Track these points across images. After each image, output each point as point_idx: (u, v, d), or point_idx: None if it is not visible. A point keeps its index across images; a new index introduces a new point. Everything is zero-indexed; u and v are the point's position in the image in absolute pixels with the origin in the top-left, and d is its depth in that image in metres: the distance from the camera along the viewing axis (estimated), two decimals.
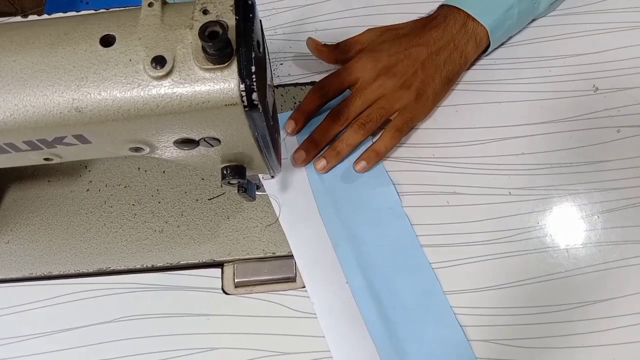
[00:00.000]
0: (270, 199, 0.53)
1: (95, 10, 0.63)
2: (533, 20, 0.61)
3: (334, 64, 0.60)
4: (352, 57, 0.58)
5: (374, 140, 0.56)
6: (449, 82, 0.57)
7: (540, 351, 0.48)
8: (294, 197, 0.54)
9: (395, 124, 0.55)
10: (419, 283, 0.50)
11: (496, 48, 0.60)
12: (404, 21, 0.60)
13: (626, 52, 0.59)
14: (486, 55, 0.60)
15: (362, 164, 0.54)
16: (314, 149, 0.55)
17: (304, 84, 0.60)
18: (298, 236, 0.52)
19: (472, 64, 0.59)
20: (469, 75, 0.60)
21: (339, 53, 0.59)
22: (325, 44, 0.59)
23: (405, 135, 0.56)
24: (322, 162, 0.54)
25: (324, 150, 0.55)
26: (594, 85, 0.58)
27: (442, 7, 0.59)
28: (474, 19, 0.56)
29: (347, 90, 0.57)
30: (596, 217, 0.53)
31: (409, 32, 0.57)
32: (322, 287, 0.51)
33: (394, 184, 0.54)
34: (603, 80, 0.58)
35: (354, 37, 0.59)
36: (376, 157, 0.55)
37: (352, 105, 0.55)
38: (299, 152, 0.55)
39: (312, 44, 0.59)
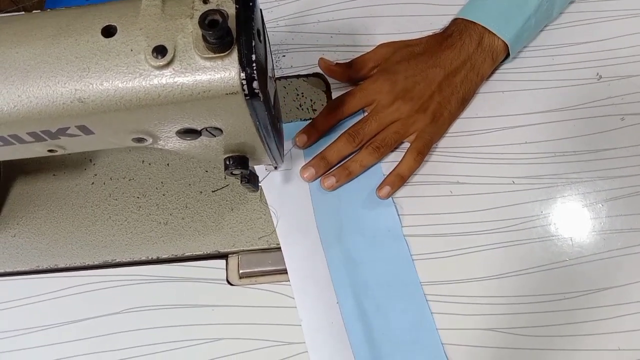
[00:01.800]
0: (270, 209, 0.53)
1: None
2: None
3: (348, 82, 0.59)
4: (365, 75, 0.57)
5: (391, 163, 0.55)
6: (465, 102, 0.57)
7: (545, 339, 0.48)
8: (294, 210, 0.53)
9: (417, 147, 0.54)
10: (411, 315, 0.49)
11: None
12: (407, 12, 0.60)
13: (630, 40, 0.59)
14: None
15: (387, 189, 0.53)
16: (324, 167, 0.54)
17: (307, 76, 0.60)
18: (293, 249, 0.51)
19: None
20: None
21: (353, 72, 0.58)
22: (337, 63, 0.58)
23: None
24: (331, 180, 0.53)
25: (333, 169, 0.54)
26: (598, 74, 0.58)
27: (456, 21, 0.57)
28: (490, 33, 0.55)
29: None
30: (600, 206, 0.53)
31: (424, 50, 0.56)
32: (312, 303, 0.50)
33: (395, 205, 0.53)
34: (606, 68, 0.58)
35: (367, 54, 0.58)
36: (400, 181, 0.54)
37: (368, 128, 0.54)
38: (308, 169, 0.54)
39: (324, 64, 0.58)
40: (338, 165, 0.55)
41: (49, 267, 0.53)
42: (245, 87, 0.34)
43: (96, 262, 0.53)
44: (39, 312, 0.52)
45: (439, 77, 0.55)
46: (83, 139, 0.38)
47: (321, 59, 0.58)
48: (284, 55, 0.61)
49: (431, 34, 0.59)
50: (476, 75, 0.56)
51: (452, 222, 0.53)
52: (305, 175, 0.54)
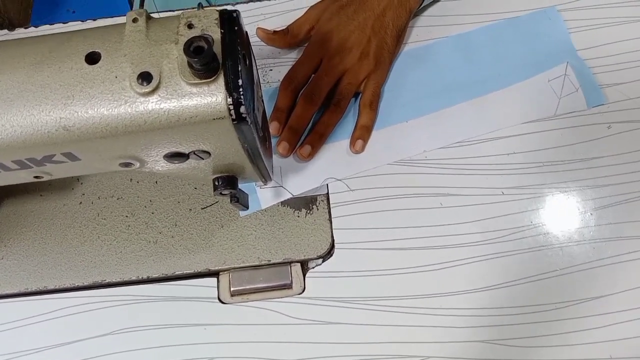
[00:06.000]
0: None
1: (82, 21, 0.63)
2: None
3: (288, 48, 0.61)
4: (303, 39, 0.60)
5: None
6: (399, 37, 0.59)
7: (537, 350, 0.49)
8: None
9: (366, 100, 0.57)
10: None
11: None
12: None
13: (615, 48, 0.59)
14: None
15: (360, 142, 0.56)
16: (295, 136, 0.55)
17: None
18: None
19: None
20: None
21: (291, 37, 0.60)
22: (275, 31, 0.60)
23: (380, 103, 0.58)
24: (307, 148, 0.55)
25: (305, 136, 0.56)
26: None
27: None
28: None
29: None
30: (589, 214, 0.53)
31: (351, 0, 0.59)
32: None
33: None
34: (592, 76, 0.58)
35: (300, 18, 0.60)
36: (368, 132, 0.57)
37: (321, 86, 0.56)
38: (282, 144, 0.55)
39: (262, 33, 0.60)
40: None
41: (38, 289, 0.52)
42: (232, 112, 0.34)
43: (86, 283, 0.52)
44: (29, 335, 0.51)
45: (370, 20, 0.57)
46: (69, 165, 0.38)
47: (259, 28, 0.60)
48: (271, 70, 0.60)
49: None
50: (404, 10, 0.58)
51: (442, 234, 0.53)
52: (281, 150, 0.55)
